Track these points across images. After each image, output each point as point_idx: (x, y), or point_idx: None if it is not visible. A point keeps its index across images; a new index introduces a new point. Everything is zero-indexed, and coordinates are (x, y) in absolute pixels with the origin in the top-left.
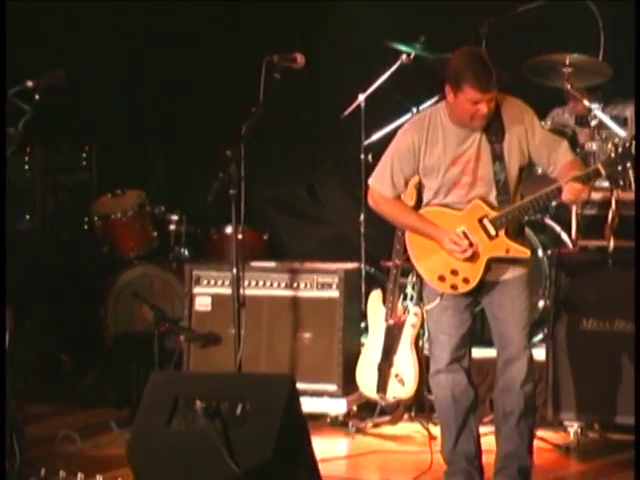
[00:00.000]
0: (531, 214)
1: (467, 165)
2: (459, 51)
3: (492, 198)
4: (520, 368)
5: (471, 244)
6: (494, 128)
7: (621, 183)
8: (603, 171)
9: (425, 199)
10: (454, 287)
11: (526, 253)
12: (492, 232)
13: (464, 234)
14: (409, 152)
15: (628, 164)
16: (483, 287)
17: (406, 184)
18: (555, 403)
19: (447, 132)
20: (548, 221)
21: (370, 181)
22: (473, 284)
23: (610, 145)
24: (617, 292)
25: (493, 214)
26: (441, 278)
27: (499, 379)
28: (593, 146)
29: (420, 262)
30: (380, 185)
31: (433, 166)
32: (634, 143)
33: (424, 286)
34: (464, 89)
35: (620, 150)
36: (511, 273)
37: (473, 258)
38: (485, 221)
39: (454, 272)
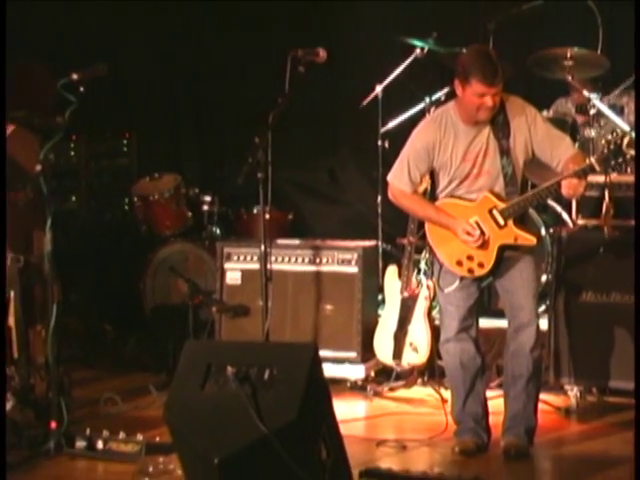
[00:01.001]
0: (534, 205)
1: (476, 160)
2: (468, 49)
3: (499, 190)
4: (530, 334)
5: (483, 233)
6: (500, 125)
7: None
8: (597, 167)
9: (439, 187)
10: (470, 271)
11: (532, 241)
12: (501, 222)
13: (477, 224)
14: (424, 152)
15: (620, 159)
16: None
17: (422, 179)
18: (556, 369)
19: (458, 131)
20: (550, 202)
21: (389, 178)
22: (488, 268)
23: (603, 141)
24: (613, 267)
25: (501, 205)
26: (459, 263)
27: (510, 345)
28: (592, 133)
29: (439, 248)
30: (399, 182)
31: (446, 162)
32: (625, 139)
33: (441, 270)
34: (472, 83)
35: (612, 147)
36: (518, 249)
37: (485, 245)
38: (494, 212)
39: (470, 257)
